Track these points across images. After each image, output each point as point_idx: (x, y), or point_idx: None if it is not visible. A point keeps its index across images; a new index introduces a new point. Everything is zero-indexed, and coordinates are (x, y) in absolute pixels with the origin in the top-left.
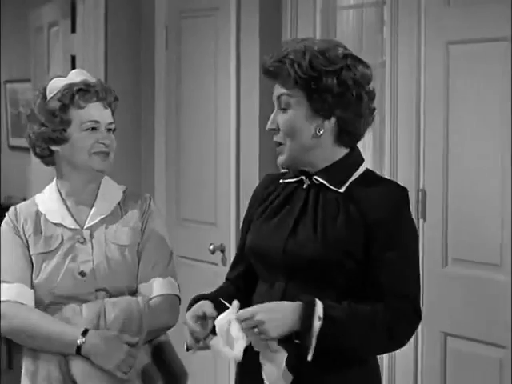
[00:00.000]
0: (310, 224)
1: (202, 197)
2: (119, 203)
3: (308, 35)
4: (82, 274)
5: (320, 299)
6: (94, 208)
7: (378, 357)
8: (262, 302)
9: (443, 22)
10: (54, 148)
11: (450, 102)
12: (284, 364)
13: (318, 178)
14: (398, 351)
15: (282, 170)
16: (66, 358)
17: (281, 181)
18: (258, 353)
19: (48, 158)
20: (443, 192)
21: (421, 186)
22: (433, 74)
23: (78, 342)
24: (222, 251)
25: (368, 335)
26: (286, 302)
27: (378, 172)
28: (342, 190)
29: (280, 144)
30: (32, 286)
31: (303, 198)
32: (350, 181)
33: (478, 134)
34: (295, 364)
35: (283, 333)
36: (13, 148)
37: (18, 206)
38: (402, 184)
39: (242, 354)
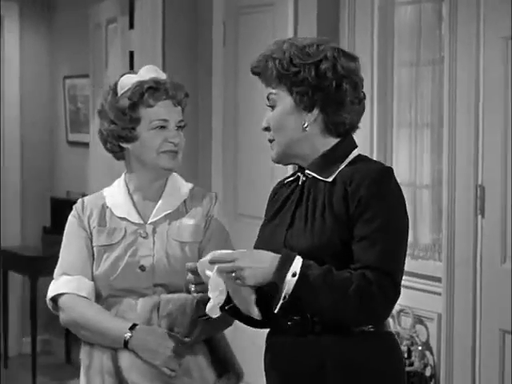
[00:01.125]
0: (303, 217)
1: (259, 192)
2: (185, 200)
3: (366, 31)
4: (142, 268)
5: None
6: (158, 204)
7: (436, 351)
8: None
9: (502, 17)
10: (124, 145)
11: (509, 98)
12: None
13: (309, 172)
14: (455, 351)
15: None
16: (116, 351)
17: (285, 182)
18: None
19: (118, 154)
20: (502, 188)
21: (479, 182)
22: (492, 69)
23: (125, 336)
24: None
25: (338, 302)
26: (266, 252)
27: (435, 168)
28: (330, 180)
29: (271, 141)
30: (92, 278)
31: (299, 192)
32: (338, 169)
33: None
34: (301, 331)
35: (259, 282)
36: (71, 143)
37: (85, 198)
38: (458, 179)
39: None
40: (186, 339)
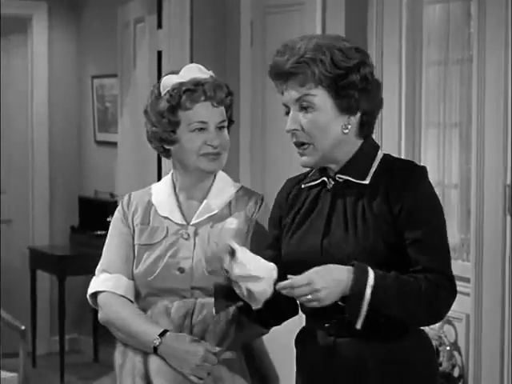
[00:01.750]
0: (341, 224)
1: None
2: (229, 202)
3: (394, 30)
4: (181, 270)
5: None
6: (202, 205)
7: (464, 352)
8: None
9: None
10: (166, 147)
11: None
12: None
13: (341, 176)
14: (483, 351)
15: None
16: (147, 355)
17: (303, 186)
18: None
19: (164, 153)
20: None
21: (508, 182)
22: None
23: (155, 342)
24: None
25: (411, 307)
26: (336, 267)
27: (463, 167)
28: (367, 182)
29: (303, 144)
30: (132, 277)
31: (329, 198)
32: (372, 171)
33: None
34: (339, 332)
35: (335, 299)
36: (99, 143)
37: (133, 192)
38: (487, 179)
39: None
40: (217, 348)
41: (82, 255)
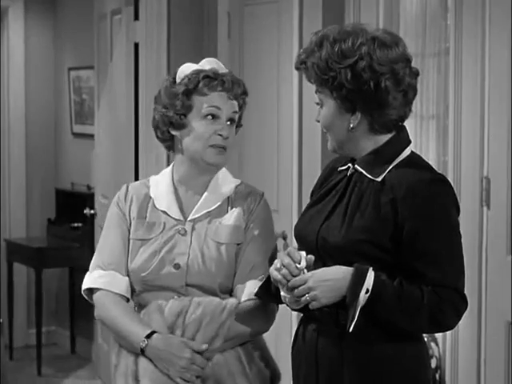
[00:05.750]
0: (342, 211)
1: (264, 184)
2: (228, 198)
3: (371, 21)
4: (176, 266)
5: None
6: (201, 200)
7: (441, 342)
8: None
9: (508, 8)
10: (173, 132)
11: None
12: None
13: (358, 167)
14: (460, 342)
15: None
16: (138, 355)
17: (339, 169)
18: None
19: (168, 143)
20: (508, 180)
21: (485, 174)
22: (498, 60)
23: (141, 344)
24: (284, 238)
25: (411, 317)
26: (336, 267)
27: (440, 159)
28: (378, 179)
29: (326, 133)
30: (127, 273)
31: (345, 184)
32: (388, 169)
33: None
34: (323, 327)
35: (333, 300)
36: (76, 135)
37: (130, 184)
38: (464, 171)
39: None
40: (204, 346)
41: (58, 247)
